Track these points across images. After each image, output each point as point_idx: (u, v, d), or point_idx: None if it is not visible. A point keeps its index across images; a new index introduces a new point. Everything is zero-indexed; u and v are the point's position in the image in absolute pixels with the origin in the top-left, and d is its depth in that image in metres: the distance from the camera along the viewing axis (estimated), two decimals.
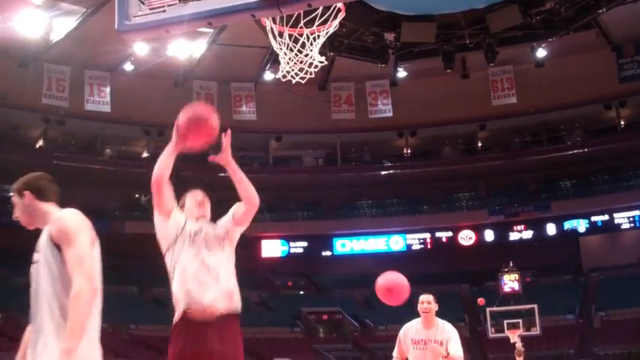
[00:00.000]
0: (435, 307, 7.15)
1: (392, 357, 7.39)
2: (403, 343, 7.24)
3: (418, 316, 7.25)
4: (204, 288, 4.48)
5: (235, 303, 4.59)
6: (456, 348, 6.99)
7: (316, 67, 6.02)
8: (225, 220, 4.78)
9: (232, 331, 4.57)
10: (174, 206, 4.77)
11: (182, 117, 4.47)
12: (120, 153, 38.51)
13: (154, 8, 4.20)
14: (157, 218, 4.72)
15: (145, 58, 30.20)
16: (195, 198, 4.91)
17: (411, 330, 7.25)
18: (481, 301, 25.05)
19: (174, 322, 4.56)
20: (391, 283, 6.94)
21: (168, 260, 4.65)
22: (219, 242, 4.67)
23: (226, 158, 4.61)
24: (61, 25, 28.13)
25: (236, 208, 4.77)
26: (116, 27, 4.28)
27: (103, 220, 36.39)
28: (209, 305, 4.45)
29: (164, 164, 4.75)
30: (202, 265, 4.54)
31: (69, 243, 3.48)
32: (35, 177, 3.85)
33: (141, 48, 29.18)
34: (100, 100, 31.16)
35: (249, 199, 4.69)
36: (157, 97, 32.65)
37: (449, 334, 7.08)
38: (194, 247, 4.58)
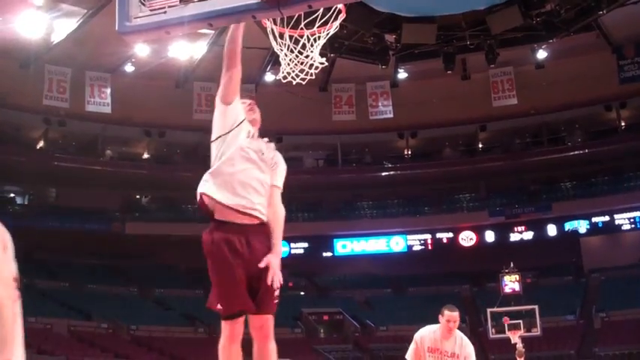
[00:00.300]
0: (458, 322, 7.22)
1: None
2: (420, 349, 7.24)
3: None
4: (249, 189, 4.31)
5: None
6: None
7: (317, 68, 6.04)
8: (280, 167, 4.58)
9: (269, 246, 4.37)
10: (238, 95, 4.52)
11: None
12: (120, 154, 38.56)
13: (154, 9, 4.20)
14: (218, 102, 4.50)
15: (145, 59, 30.23)
16: (245, 102, 4.64)
17: (428, 337, 7.25)
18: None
19: (213, 215, 4.34)
20: None
21: (215, 148, 4.48)
22: (270, 165, 4.49)
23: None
24: (62, 27, 28.15)
25: (279, 190, 4.55)
26: (117, 28, 4.28)
27: (103, 220, 36.53)
28: (251, 208, 4.28)
29: (235, 37, 4.41)
30: (253, 168, 4.37)
31: None
32: None
33: (141, 49, 29.19)
34: (101, 101, 31.17)
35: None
36: (158, 98, 32.67)
37: (467, 351, 7.13)
38: (248, 148, 4.40)
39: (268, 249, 4.30)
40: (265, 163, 4.44)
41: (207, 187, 4.36)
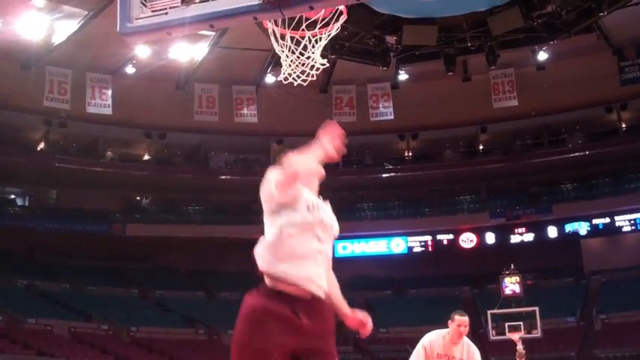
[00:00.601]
0: (468, 327, 7.27)
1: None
2: (430, 356, 7.23)
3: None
4: (309, 261, 3.93)
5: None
6: None
7: (318, 69, 6.03)
8: (335, 230, 4.22)
9: (329, 312, 4.14)
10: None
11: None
12: (121, 155, 38.55)
13: (156, 11, 4.21)
14: (271, 194, 3.98)
15: (146, 60, 30.23)
16: (305, 158, 4.15)
17: (437, 342, 7.25)
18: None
19: (265, 287, 3.93)
20: None
21: (269, 222, 3.99)
22: (330, 232, 4.14)
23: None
24: (63, 28, 28.15)
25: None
26: (118, 29, 4.28)
27: (104, 222, 36.53)
28: (309, 279, 3.91)
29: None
30: (313, 240, 3.99)
31: None
32: None
33: (142, 51, 29.19)
34: (102, 103, 31.14)
35: None
36: (159, 99, 32.68)
37: (474, 357, 7.15)
38: (309, 223, 3.98)
39: (318, 325, 4.00)
40: (325, 232, 4.10)
41: (261, 259, 3.97)
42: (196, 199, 39.15)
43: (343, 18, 5.87)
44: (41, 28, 27.44)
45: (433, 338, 7.29)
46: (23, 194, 38.50)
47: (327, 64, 6.37)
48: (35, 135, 36.06)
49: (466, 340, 7.25)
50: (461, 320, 7.15)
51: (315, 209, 4.05)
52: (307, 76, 6.09)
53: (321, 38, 6.04)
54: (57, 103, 30.69)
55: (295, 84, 6.30)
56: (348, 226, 38.83)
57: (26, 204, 38.71)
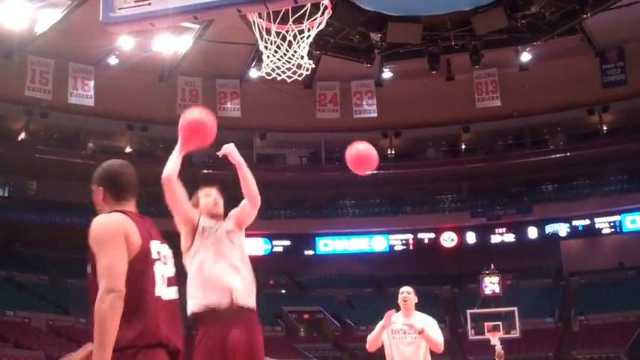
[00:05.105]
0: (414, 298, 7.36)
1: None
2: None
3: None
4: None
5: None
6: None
7: (307, 69, 5.97)
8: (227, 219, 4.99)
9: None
10: (188, 205, 5.01)
11: (183, 121, 4.55)
12: (102, 147, 38.26)
13: (139, 1, 4.16)
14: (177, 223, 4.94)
15: (130, 52, 30.01)
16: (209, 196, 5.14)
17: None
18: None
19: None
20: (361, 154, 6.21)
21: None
22: (229, 238, 4.86)
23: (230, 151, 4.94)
24: (46, 17, 27.89)
25: (238, 208, 5.03)
26: (100, 19, 4.23)
27: (83, 214, 36.11)
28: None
29: (173, 164, 5.03)
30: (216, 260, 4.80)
31: None
32: None
33: (126, 42, 28.98)
34: (84, 94, 30.92)
35: (249, 196, 5.03)
36: (141, 91, 32.49)
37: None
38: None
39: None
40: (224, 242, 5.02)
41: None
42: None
43: (328, 13, 5.83)
44: (24, 16, 27.16)
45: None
46: (3, 185, 38.17)
47: (313, 65, 6.31)
48: (16, 125, 35.74)
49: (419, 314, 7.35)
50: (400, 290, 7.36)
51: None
52: (294, 73, 6.04)
53: (307, 36, 5.99)
54: (38, 93, 30.42)
55: (279, 79, 6.26)
56: (330, 224, 38.92)
57: (6, 194, 38.38)
